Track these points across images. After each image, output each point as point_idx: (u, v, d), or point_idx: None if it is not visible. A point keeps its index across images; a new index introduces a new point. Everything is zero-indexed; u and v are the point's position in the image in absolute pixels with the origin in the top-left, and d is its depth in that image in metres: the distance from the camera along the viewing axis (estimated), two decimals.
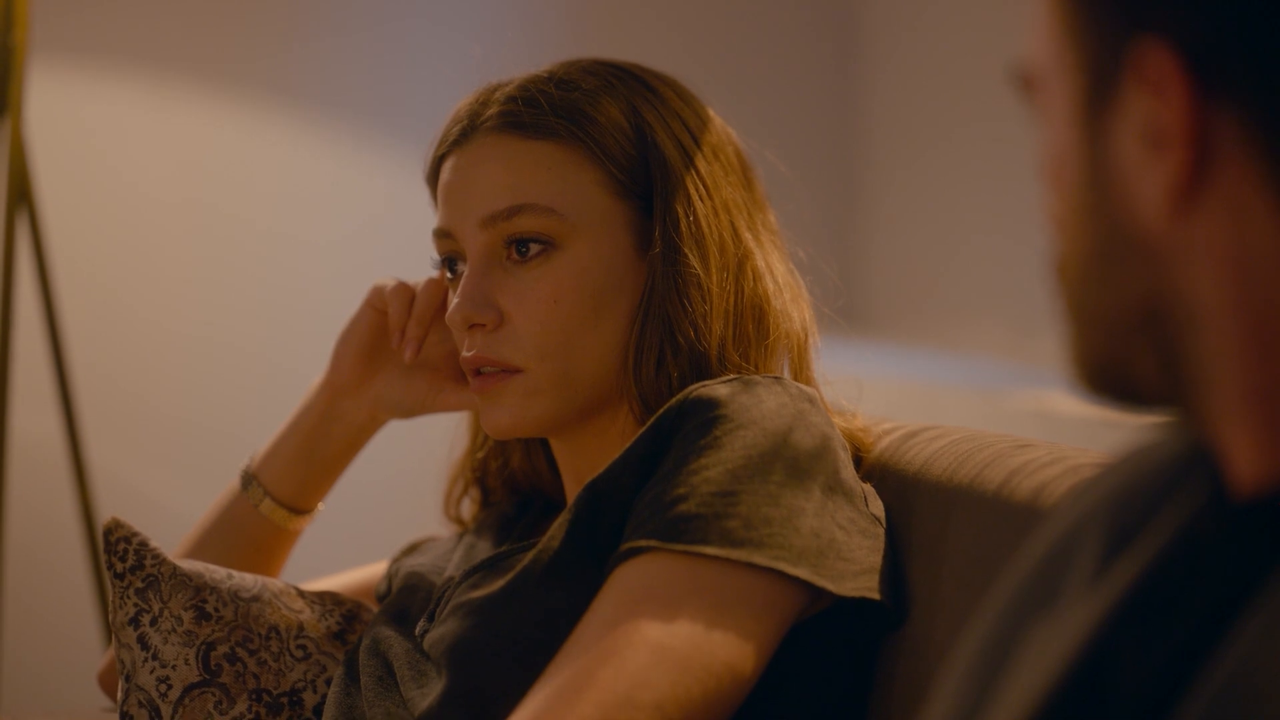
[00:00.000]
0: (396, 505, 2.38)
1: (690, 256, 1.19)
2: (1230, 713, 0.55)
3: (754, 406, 1.09)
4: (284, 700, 1.22)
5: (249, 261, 2.62)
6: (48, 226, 2.28)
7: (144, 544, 1.23)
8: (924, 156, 2.65)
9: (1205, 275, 0.58)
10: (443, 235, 1.24)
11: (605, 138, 1.20)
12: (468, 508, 1.39)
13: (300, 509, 1.36)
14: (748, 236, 1.22)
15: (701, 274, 1.19)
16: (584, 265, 1.19)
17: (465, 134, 1.23)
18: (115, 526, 1.24)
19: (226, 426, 2.60)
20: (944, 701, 0.70)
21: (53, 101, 2.48)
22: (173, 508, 2.50)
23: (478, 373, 1.21)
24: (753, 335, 1.19)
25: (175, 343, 2.60)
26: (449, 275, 1.25)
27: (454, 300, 1.22)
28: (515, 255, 1.20)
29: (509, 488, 1.37)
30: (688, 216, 1.19)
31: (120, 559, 1.23)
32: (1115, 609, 0.63)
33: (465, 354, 1.21)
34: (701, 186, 1.21)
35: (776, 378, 1.13)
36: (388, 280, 1.33)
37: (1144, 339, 0.61)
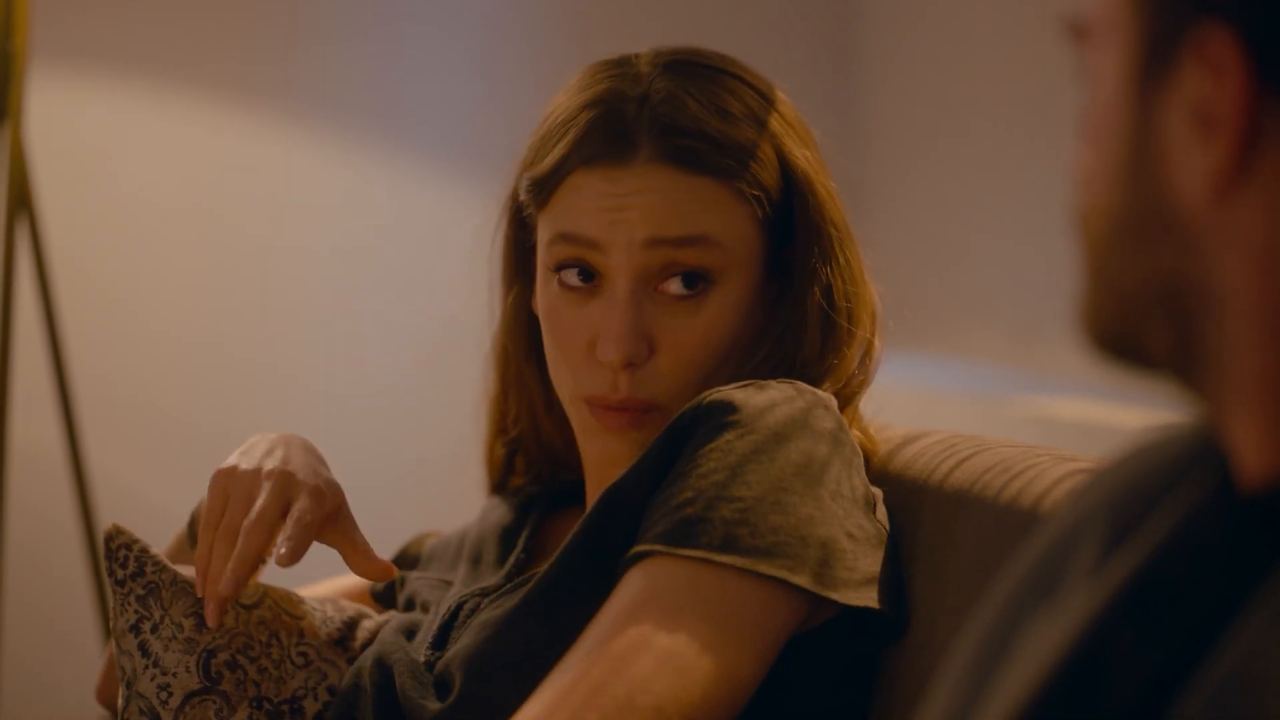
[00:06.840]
0: (395, 506, 2.37)
1: (834, 295, 1.18)
2: (1232, 706, 0.55)
3: (768, 411, 1.08)
4: (284, 708, 1.22)
5: (249, 268, 2.62)
6: (48, 233, 2.27)
7: (145, 551, 1.23)
8: (925, 161, 2.65)
9: (1234, 263, 0.58)
10: (580, 243, 1.17)
11: (762, 174, 1.17)
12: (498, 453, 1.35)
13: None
14: (866, 274, 1.22)
15: (843, 324, 1.18)
16: (733, 303, 1.17)
17: (620, 153, 1.16)
18: (116, 533, 1.23)
19: (227, 433, 2.59)
20: (943, 695, 0.71)
21: (53, 108, 2.48)
22: (173, 513, 2.48)
23: (610, 406, 1.16)
24: (856, 375, 1.18)
25: (175, 349, 2.60)
26: (560, 284, 1.18)
27: (582, 319, 1.16)
28: (681, 288, 1.15)
29: (538, 447, 1.32)
30: (839, 254, 1.19)
31: (121, 566, 1.22)
32: (1113, 601, 0.63)
33: (608, 393, 1.16)
34: (841, 220, 1.20)
35: (791, 381, 1.12)
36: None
37: (1162, 314, 0.61)
